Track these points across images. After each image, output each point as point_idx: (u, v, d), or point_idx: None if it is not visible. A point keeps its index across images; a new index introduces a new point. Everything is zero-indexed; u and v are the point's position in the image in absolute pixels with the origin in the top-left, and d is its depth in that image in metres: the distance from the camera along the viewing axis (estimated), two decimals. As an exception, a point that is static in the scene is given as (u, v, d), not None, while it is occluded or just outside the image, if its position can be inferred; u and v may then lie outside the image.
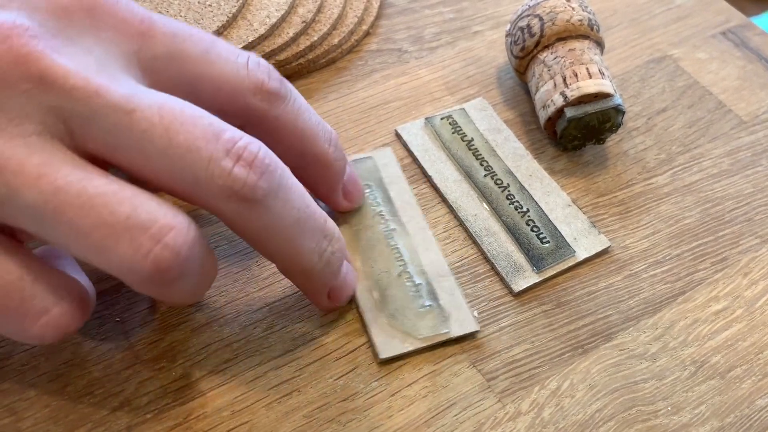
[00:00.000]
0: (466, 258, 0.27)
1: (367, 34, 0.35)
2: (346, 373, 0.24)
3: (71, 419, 0.23)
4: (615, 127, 0.30)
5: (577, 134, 0.30)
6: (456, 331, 0.25)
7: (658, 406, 0.24)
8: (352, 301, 0.26)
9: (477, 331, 0.25)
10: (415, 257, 0.26)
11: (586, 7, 0.31)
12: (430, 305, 0.25)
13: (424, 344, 0.24)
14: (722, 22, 0.38)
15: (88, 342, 0.24)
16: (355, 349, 0.25)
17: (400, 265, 0.26)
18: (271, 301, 0.26)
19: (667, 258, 0.28)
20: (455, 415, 0.24)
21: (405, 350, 0.24)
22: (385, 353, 0.24)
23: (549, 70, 0.30)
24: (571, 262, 0.27)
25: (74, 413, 0.23)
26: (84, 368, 0.24)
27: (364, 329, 0.25)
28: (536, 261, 0.27)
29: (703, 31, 0.38)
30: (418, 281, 0.26)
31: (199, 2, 0.31)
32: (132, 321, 0.25)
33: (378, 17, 0.36)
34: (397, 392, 0.24)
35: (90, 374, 0.23)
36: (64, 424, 0.22)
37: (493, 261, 0.27)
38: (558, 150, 0.31)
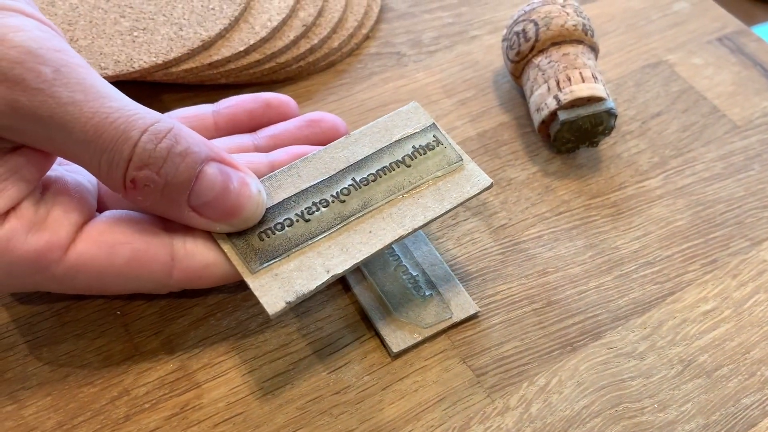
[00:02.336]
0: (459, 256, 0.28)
1: (367, 37, 0.36)
2: (339, 368, 0.25)
3: (71, 407, 0.23)
4: (608, 130, 0.30)
5: (570, 137, 0.30)
6: (458, 316, 0.25)
7: (644, 403, 0.25)
8: (350, 296, 0.26)
9: (478, 312, 0.26)
10: (407, 251, 0.27)
11: (581, 12, 0.32)
12: (430, 294, 0.26)
13: (431, 332, 0.25)
14: (719, 29, 0.39)
15: (89, 333, 0.25)
16: (349, 343, 0.25)
17: (395, 261, 0.27)
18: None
19: (658, 259, 0.29)
20: (445, 409, 0.24)
21: (415, 341, 0.25)
22: (397, 347, 0.25)
23: (543, 74, 0.30)
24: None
25: (74, 402, 0.23)
26: (84, 359, 0.24)
27: (372, 326, 0.26)
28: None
29: (700, 37, 0.38)
30: (414, 273, 0.26)
31: (202, 5, 0.32)
32: (132, 314, 0.25)
33: (378, 21, 0.36)
34: (388, 386, 0.25)
35: (90, 365, 0.24)
36: (65, 412, 0.23)
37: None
38: (552, 153, 0.32)
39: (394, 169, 0.25)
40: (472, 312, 0.26)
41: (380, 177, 0.24)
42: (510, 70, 0.33)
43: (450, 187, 0.24)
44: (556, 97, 0.29)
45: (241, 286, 0.26)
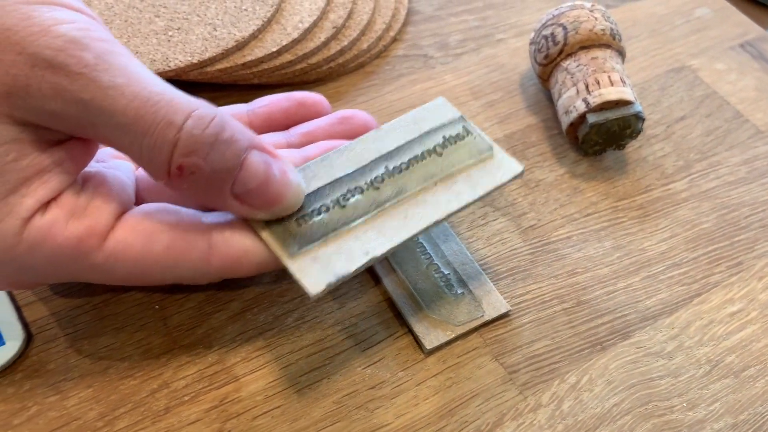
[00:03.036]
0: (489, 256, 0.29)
1: (395, 40, 0.36)
2: (374, 363, 0.25)
3: (113, 399, 0.24)
4: (635, 133, 0.31)
5: (598, 140, 0.31)
6: (490, 314, 0.26)
7: (673, 402, 0.25)
8: (382, 293, 0.27)
9: (509, 311, 0.26)
10: (438, 250, 0.28)
11: (609, 17, 0.32)
12: (462, 293, 0.26)
13: (463, 330, 0.25)
14: (740, 35, 0.39)
15: (128, 327, 0.25)
16: (383, 339, 0.26)
17: (426, 259, 0.27)
18: (303, 293, 0.27)
19: (684, 261, 0.29)
20: (478, 406, 0.25)
21: (448, 338, 0.25)
22: (430, 344, 0.25)
23: (572, 78, 0.31)
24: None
25: (116, 394, 0.24)
26: (124, 352, 0.25)
27: (405, 325, 0.26)
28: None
29: (722, 42, 0.38)
30: (446, 272, 0.27)
31: (235, 6, 0.32)
32: (170, 308, 0.26)
33: (405, 24, 0.37)
34: (422, 382, 0.25)
35: (130, 358, 0.25)
36: (107, 403, 0.24)
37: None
38: (579, 155, 0.32)
39: (425, 158, 0.25)
40: (503, 311, 0.26)
41: (412, 165, 0.25)
42: (538, 73, 0.33)
43: (482, 174, 0.25)
44: (585, 100, 0.30)
45: (276, 281, 0.27)
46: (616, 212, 0.30)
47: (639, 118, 0.30)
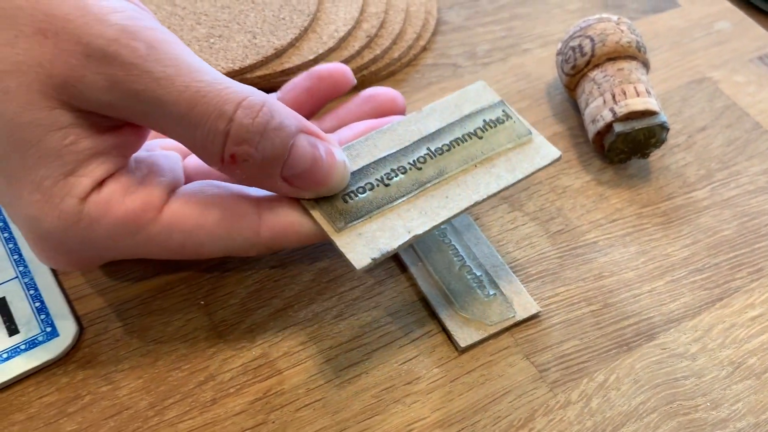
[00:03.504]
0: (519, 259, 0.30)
1: (424, 49, 0.37)
2: (410, 359, 0.26)
3: (162, 390, 0.25)
4: (659, 142, 0.32)
5: (624, 148, 0.32)
6: (521, 315, 0.27)
7: (697, 401, 0.26)
8: (417, 293, 0.28)
9: (539, 312, 0.27)
10: (470, 252, 0.29)
11: (635, 30, 0.33)
12: (494, 294, 0.27)
13: (496, 330, 0.27)
14: (760, 48, 0.40)
15: (176, 322, 0.26)
16: (418, 337, 0.27)
17: (459, 261, 0.28)
18: (341, 291, 0.28)
19: (706, 266, 0.30)
20: (510, 402, 0.26)
21: (481, 337, 0.26)
22: (464, 342, 0.26)
23: (599, 88, 0.32)
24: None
25: (165, 385, 0.25)
26: (172, 345, 0.26)
27: (439, 323, 0.27)
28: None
29: (742, 55, 0.40)
30: (478, 273, 0.28)
31: (273, 15, 0.33)
32: (215, 304, 0.27)
33: (435, 34, 0.38)
34: (456, 379, 0.26)
35: (177, 351, 0.26)
36: (156, 394, 0.25)
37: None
38: (604, 162, 0.33)
39: (466, 141, 0.26)
40: (533, 312, 0.27)
41: (454, 147, 0.26)
42: (564, 82, 0.34)
43: (521, 158, 0.26)
44: (611, 110, 0.31)
45: (315, 280, 0.28)
46: (640, 218, 0.31)
47: (664, 128, 0.31)
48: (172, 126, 0.21)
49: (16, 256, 0.27)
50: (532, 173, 0.26)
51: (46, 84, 0.20)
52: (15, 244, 0.28)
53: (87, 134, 0.21)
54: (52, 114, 0.20)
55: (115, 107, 0.21)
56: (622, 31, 0.32)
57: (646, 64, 0.33)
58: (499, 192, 0.25)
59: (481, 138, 0.26)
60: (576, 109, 0.35)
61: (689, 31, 0.41)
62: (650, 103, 0.31)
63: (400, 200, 0.24)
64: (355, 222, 0.23)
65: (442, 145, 0.26)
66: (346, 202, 0.24)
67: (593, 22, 0.33)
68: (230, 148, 0.21)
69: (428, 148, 0.25)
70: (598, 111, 0.32)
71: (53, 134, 0.20)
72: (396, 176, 0.25)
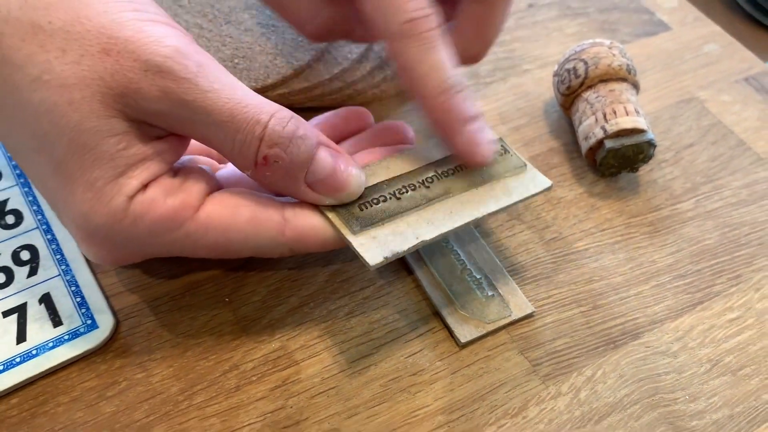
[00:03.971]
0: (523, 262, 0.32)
1: (431, 69, 0.40)
2: (415, 353, 0.29)
3: (191, 377, 0.28)
4: (647, 158, 0.34)
5: (614, 163, 0.34)
6: (517, 314, 0.30)
7: (677, 395, 0.29)
8: (422, 293, 0.30)
9: (533, 312, 0.30)
10: (471, 256, 0.31)
11: (625, 53, 0.36)
12: (492, 294, 0.30)
13: (493, 327, 0.29)
14: (745, 69, 0.43)
15: (203, 317, 0.29)
16: (422, 333, 0.29)
17: (460, 265, 0.31)
18: (352, 291, 0.30)
19: (689, 273, 0.33)
20: (506, 392, 0.28)
21: (480, 334, 0.29)
22: (464, 338, 0.29)
23: (591, 107, 0.35)
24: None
25: (193, 373, 0.28)
26: (199, 338, 0.29)
27: (441, 321, 0.30)
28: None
29: (728, 76, 0.42)
30: (478, 276, 0.31)
31: (292, 38, 0.36)
32: (238, 301, 0.30)
33: (440, 54, 0.41)
34: (457, 371, 0.29)
35: (205, 343, 0.28)
36: (185, 381, 0.27)
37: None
38: (596, 176, 0.36)
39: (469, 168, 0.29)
40: (528, 311, 0.30)
41: (458, 172, 0.29)
42: (560, 102, 0.37)
43: (517, 185, 0.29)
44: (603, 128, 0.34)
45: (329, 281, 0.31)
46: (628, 228, 0.34)
47: (651, 144, 0.34)
48: (214, 132, 0.24)
49: (58, 256, 0.30)
50: (526, 198, 0.28)
51: (106, 95, 0.23)
52: (57, 245, 0.30)
53: (137, 141, 0.24)
54: (110, 122, 0.23)
55: (164, 116, 0.24)
56: (614, 54, 0.35)
57: (635, 86, 0.36)
58: (496, 212, 0.28)
59: (482, 168, 0.29)
60: (571, 127, 0.38)
61: (679, 53, 0.43)
62: (639, 122, 0.34)
63: (410, 211, 0.27)
64: (369, 227, 0.26)
65: (448, 169, 0.29)
66: (362, 210, 0.27)
67: (587, 46, 0.36)
68: (263, 150, 0.24)
69: (435, 171, 0.28)
70: (590, 129, 0.34)
71: (109, 140, 0.23)
72: (407, 192, 0.28)
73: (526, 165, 0.29)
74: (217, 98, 0.24)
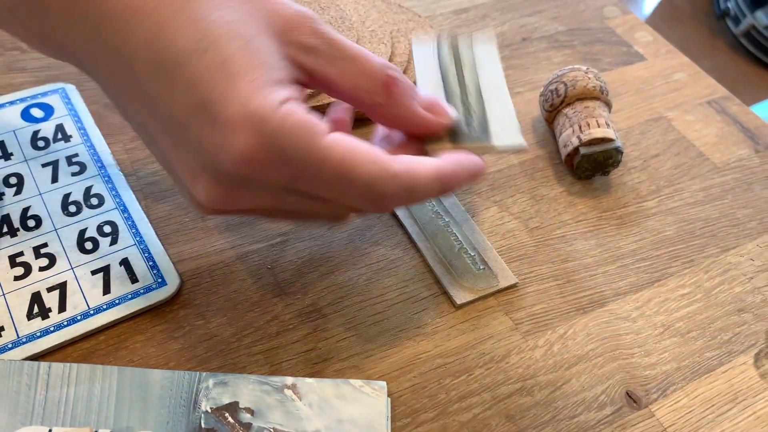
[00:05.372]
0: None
1: (438, 89, 0.47)
2: (420, 311, 0.36)
3: (240, 325, 0.34)
4: (616, 163, 0.41)
5: (588, 167, 0.41)
6: (503, 284, 0.36)
7: (634, 350, 0.35)
8: (427, 267, 0.37)
9: (517, 283, 0.37)
10: (467, 238, 0.38)
11: (599, 77, 0.43)
12: (483, 268, 0.37)
13: (483, 293, 0.36)
14: (709, 94, 0.50)
15: (249, 279, 0.36)
16: (426, 297, 0.36)
17: (458, 244, 0.38)
18: (369, 263, 0.37)
19: (650, 257, 0.39)
20: (492, 344, 0.35)
21: (473, 298, 0.36)
22: (460, 301, 0.36)
23: (569, 121, 0.42)
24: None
25: (242, 321, 0.35)
26: (247, 295, 0.36)
27: (441, 287, 0.37)
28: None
29: (693, 99, 0.49)
30: (472, 253, 0.38)
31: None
32: (278, 268, 0.37)
33: (446, 78, 0.48)
34: (453, 326, 0.35)
35: (251, 299, 0.35)
36: (236, 327, 0.34)
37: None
38: (574, 179, 0.43)
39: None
40: (513, 282, 0.37)
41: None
42: (545, 117, 0.44)
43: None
44: (578, 137, 0.41)
45: (352, 254, 0.38)
46: (600, 220, 0.41)
47: (618, 151, 0.41)
48: (350, 66, 0.30)
49: (134, 230, 0.37)
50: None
51: (271, 26, 0.28)
52: (133, 222, 0.38)
53: (292, 69, 0.29)
54: (276, 44, 0.29)
55: (315, 51, 0.29)
56: (589, 78, 0.43)
57: (608, 104, 0.43)
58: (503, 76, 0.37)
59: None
60: (554, 138, 0.45)
61: (652, 80, 0.51)
62: (608, 132, 0.41)
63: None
64: (485, 134, 0.33)
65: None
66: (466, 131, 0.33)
67: (567, 71, 0.43)
68: (386, 71, 0.30)
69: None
70: (568, 138, 0.41)
71: (275, 54, 0.28)
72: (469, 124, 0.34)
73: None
74: (351, 45, 0.30)
